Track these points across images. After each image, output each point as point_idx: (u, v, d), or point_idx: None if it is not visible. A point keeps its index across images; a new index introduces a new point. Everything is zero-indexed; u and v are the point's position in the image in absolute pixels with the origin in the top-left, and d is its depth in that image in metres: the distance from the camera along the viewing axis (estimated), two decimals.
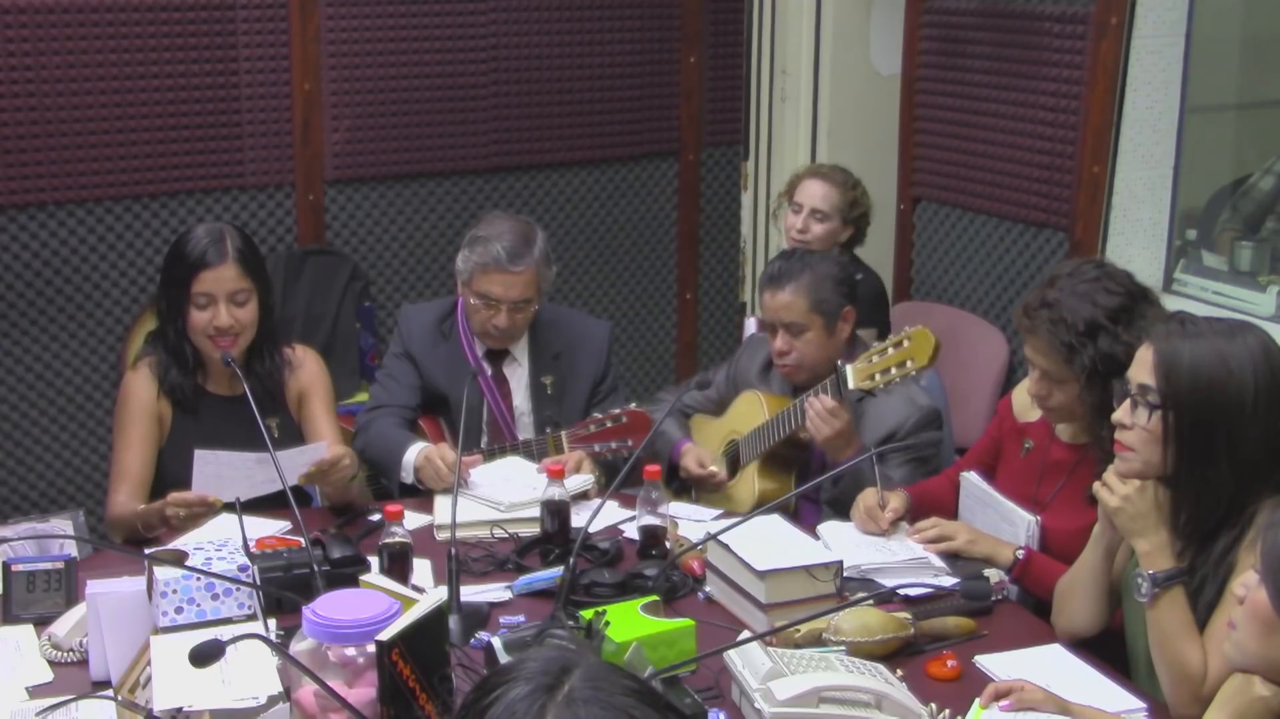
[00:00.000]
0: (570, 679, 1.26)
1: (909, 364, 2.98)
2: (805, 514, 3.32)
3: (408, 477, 3.31)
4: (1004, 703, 2.22)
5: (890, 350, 3.02)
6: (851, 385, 3.08)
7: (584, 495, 3.15)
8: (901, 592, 2.66)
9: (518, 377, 3.55)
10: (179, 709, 2.09)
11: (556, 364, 3.54)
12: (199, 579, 2.44)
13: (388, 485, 3.43)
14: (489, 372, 3.53)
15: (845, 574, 2.68)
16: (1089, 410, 2.71)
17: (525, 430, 3.53)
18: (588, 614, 2.36)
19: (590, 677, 1.26)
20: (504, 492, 3.13)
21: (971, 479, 3.01)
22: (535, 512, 2.98)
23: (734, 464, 3.47)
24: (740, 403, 3.52)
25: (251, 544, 2.61)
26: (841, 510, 3.10)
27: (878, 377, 3.03)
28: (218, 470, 2.90)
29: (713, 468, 3.42)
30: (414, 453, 3.30)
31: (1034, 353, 2.76)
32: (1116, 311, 2.68)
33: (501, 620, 2.61)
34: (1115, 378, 2.60)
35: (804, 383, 3.30)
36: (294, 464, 2.96)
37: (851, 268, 3.59)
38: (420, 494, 3.26)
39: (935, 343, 2.96)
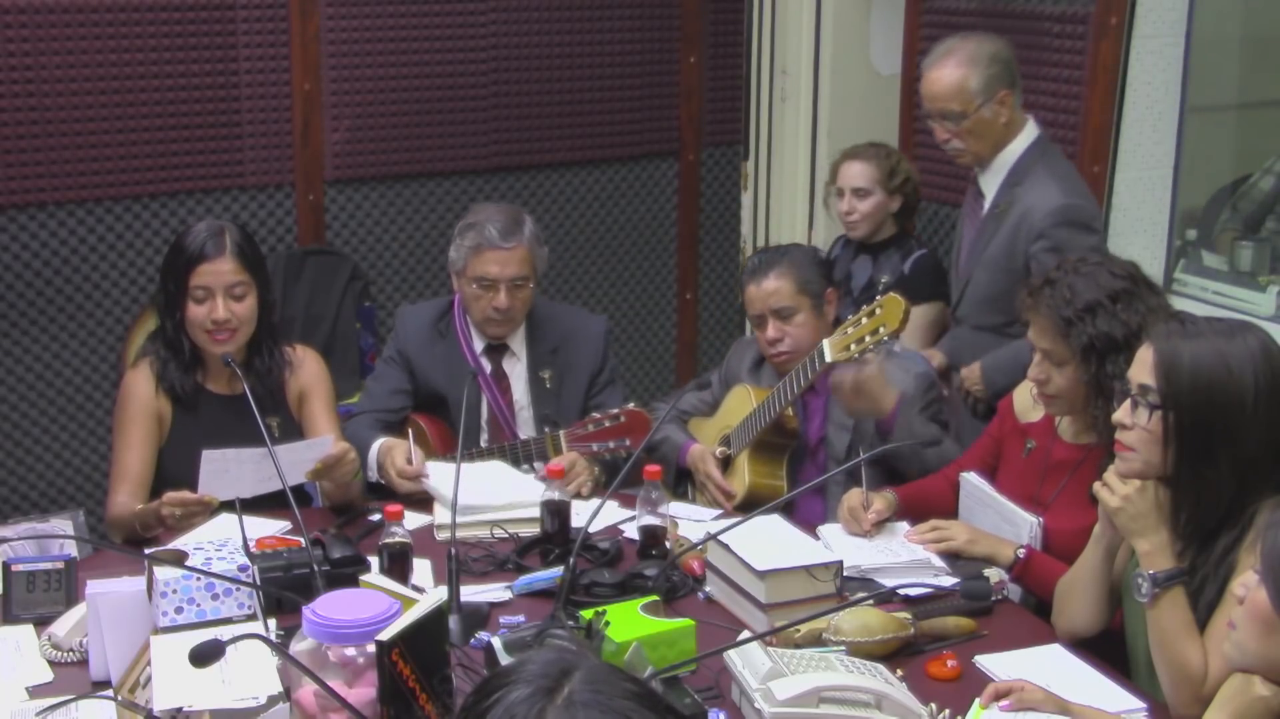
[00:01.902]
0: (570, 682, 1.25)
1: (881, 330, 3.04)
2: (805, 508, 3.32)
3: (373, 474, 3.32)
4: (1004, 703, 2.22)
5: (864, 320, 3.09)
6: (829, 358, 3.13)
7: (577, 494, 3.16)
8: (901, 592, 2.65)
9: (517, 372, 3.56)
10: (179, 709, 2.09)
11: (554, 358, 3.55)
12: (199, 579, 2.44)
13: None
14: (488, 368, 3.53)
15: (845, 574, 2.68)
16: (1087, 390, 2.72)
17: (525, 426, 3.53)
18: (588, 614, 2.36)
19: (590, 679, 1.26)
20: (478, 495, 3.10)
21: (971, 479, 3.01)
22: (534, 512, 2.99)
23: (726, 458, 3.48)
24: (730, 398, 3.55)
25: (251, 544, 2.61)
26: (893, 475, 3.15)
27: (853, 347, 3.09)
28: (224, 467, 2.90)
29: (718, 450, 3.45)
30: (375, 447, 3.31)
31: (1036, 334, 2.78)
32: (1117, 293, 2.70)
33: (501, 620, 2.61)
34: (1112, 355, 2.63)
35: None
36: (299, 459, 2.96)
37: (821, 253, 3.67)
38: (392, 495, 3.24)
39: (905, 307, 3.02)
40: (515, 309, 3.47)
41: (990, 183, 3.55)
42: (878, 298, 3.10)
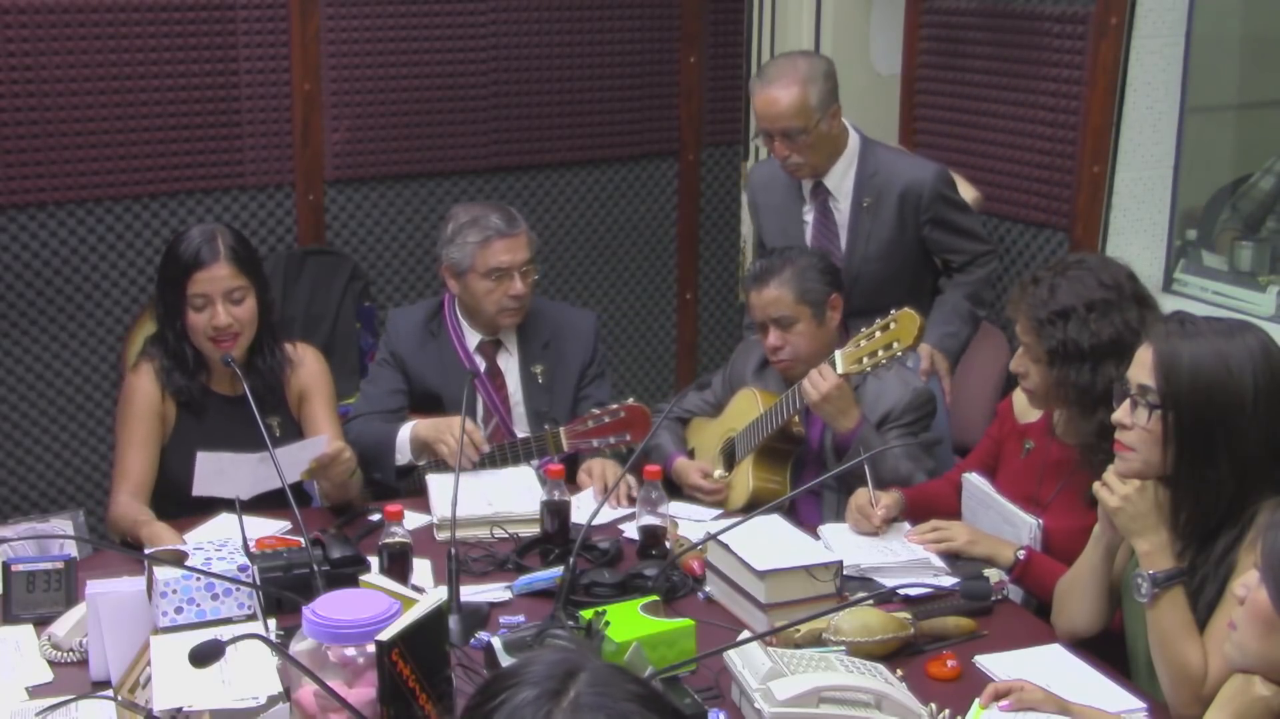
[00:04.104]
0: (575, 684, 1.25)
1: (895, 345, 3.05)
2: (804, 511, 3.32)
3: (403, 457, 3.34)
4: (1004, 703, 2.22)
5: (877, 334, 3.08)
6: (840, 370, 3.12)
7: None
8: (901, 592, 2.65)
9: (510, 367, 3.56)
10: (179, 709, 2.09)
11: (546, 353, 3.56)
12: (199, 579, 2.45)
13: (381, 478, 3.42)
14: (482, 365, 3.53)
15: (845, 574, 2.68)
16: (1052, 389, 2.75)
17: (520, 421, 3.53)
18: (588, 614, 2.37)
19: (596, 681, 1.25)
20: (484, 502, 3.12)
21: (973, 480, 3.01)
22: (535, 511, 2.99)
23: (730, 461, 3.48)
24: (736, 401, 3.54)
25: (251, 544, 2.62)
26: (850, 490, 3.13)
27: (865, 360, 3.09)
28: (220, 468, 2.90)
29: (717, 473, 3.43)
30: (408, 429, 3.35)
31: (1020, 329, 2.81)
32: (1095, 302, 2.71)
33: (501, 620, 2.61)
34: (1074, 364, 2.68)
35: (800, 377, 3.32)
36: (295, 460, 2.96)
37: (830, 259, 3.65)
38: (418, 492, 3.25)
39: (920, 323, 3.03)
40: (528, 294, 3.49)
41: (840, 184, 3.72)
42: (893, 312, 3.09)
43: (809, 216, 3.77)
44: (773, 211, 3.86)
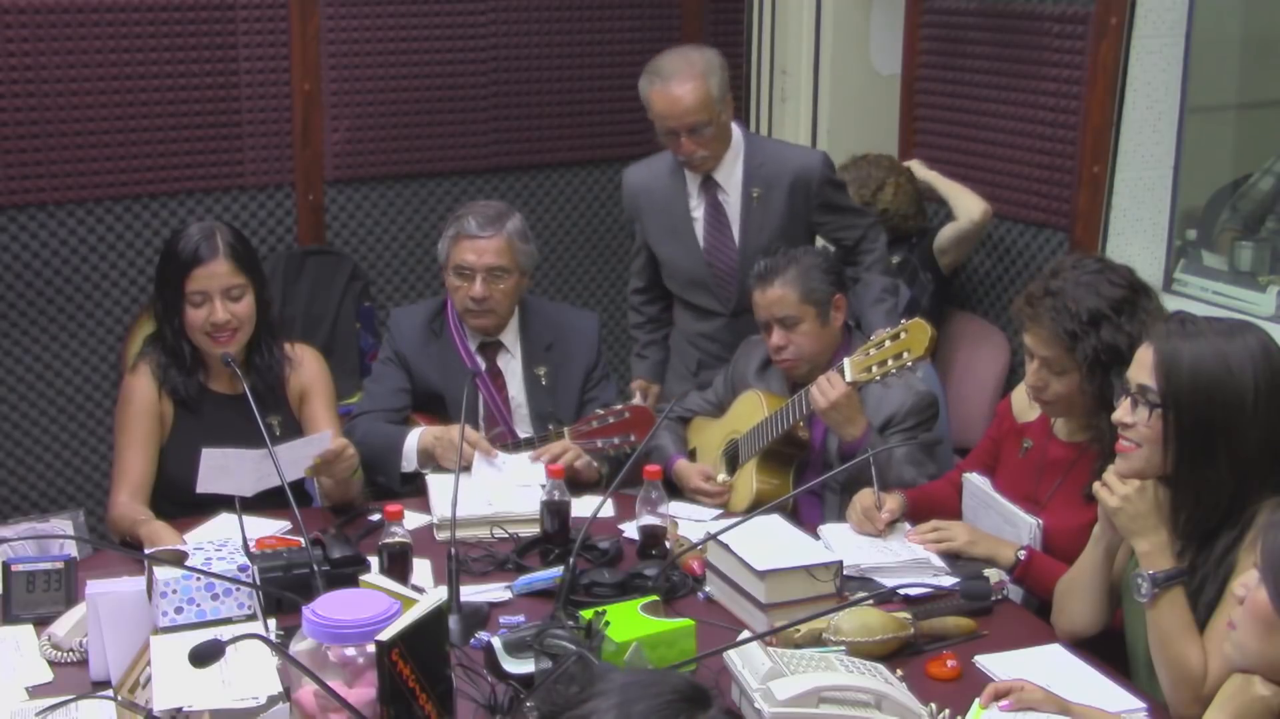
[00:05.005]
0: (712, 709, 1.24)
1: (905, 356, 3.03)
2: (805, 511, 3.32)
3: (409, 464, 3.34)
4: (1004, 703, 2.22)
5: (887, 343, 3.07)
6: (849, 378, 3.11)
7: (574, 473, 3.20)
8: (901, 592, 2.65)
9: (511, 369, 3.56)
10: (179, 709, 2.09)
11: (549, 355, 3.56)
12: (199, 579, 2.44)
13: (384, 482, 3.43)
14: (483, 366, 3.54)
15: (845, 574, 2.68)
16: (1089, 400, 2.72)
17: (522, 423, 3.53)
18: (588, 614, 2.37)
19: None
20: (496, 487, 3.14)
21: (974, 480, 3.01)
22: (535, 511, 2.99)
23: (733, 463, 3.47)
24: (740, 403, 3.53)
25: (251, 544, 2.61)
26: (851, 493, 3.12)
27: (874, 369, 3.07)
28: (224, 464, 2.90)
29: (721, 477, 3.42)
30: (415, 437, 3.34)
31: (1035, 342, 2.76)
32: (1119, 302, 2.69)
33: (501, 620, 2.61)
34: (1116, 367, 2.62)
35: (804, 377, 3.32)
36: (299, 456, 2.96)
37: (834, 257, 3.63)
38: (418, 493, 3.26)
39: (932, 334, 3.02)
40: (493, 300, 3.47)
41: (729, 177, 3.74)
42: (903, 321, 3.08)
43: (698, 213, 3.78)
44: (657, 214, 3.85)
